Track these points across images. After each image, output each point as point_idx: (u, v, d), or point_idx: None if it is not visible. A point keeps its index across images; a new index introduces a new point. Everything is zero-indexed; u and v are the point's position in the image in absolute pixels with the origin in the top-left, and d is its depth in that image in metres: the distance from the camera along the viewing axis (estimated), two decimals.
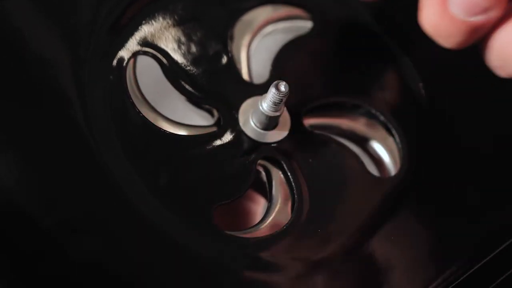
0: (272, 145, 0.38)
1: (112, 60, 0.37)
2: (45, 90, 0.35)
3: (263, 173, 0.38)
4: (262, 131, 0.37)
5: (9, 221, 0.32)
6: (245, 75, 0.40)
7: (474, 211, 0.39)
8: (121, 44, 0.38)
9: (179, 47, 0.39)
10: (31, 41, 0.36)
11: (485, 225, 0.38)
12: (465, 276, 0.36)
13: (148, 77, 0.39)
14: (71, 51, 0.36)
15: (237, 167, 0.37)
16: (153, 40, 0.38)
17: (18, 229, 0.32)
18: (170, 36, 0.39)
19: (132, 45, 0.38)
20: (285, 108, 0.37)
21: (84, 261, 0.33)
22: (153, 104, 0.38)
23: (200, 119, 0.39)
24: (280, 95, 0.35)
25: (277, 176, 0.38)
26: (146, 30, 0.38)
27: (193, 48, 0.39)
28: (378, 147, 0.41)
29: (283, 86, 0.35)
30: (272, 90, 0.35)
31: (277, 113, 0.36)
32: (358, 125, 0.41)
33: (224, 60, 0.39)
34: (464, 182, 0.39)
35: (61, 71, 0.36)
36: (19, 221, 0.32)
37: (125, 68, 0.37)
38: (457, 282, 0.36)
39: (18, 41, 0.35)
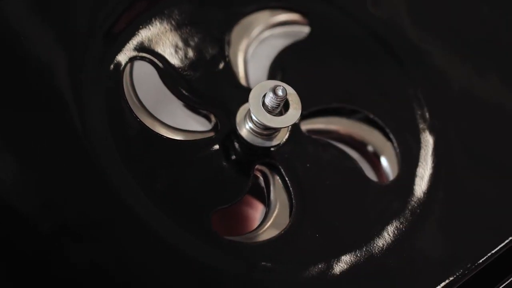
0: (270, 149, 0.37)
1: (109, 65, 0.37)
2: (42, 95, 0.35)
3: (261, 178, 0.38)
4: (259, 135, 0.37)
5: (7, 225, 0.32)
6: (242, 80, 0.40)
7: (475, 214, 0.38)
8: (118, 49, 0.37)
9: (176, 52, 0.39)
10: (27, 46, 0.35)
11: (489, 227, 0.38)
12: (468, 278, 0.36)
13: (147, 84, 0.39)
14: (68, 56, 0.36)
15: (235, 172, 0.37)
16: (150, 45, 0.38)
17: (16, 233, 0.32)
18: (167, 41, 0.39)
19: (129, 50, 0.38)
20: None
21: (81, 266, 0.32)
22: (153, 111, 0.38)
23: (199, 125, 0.39)
24: (278, 99, 0.35)
25: (275, 181, 0.38)
26: (143, 35, 0.38)
27: (190, 53, 0.39)
28: (376, 152, 0.41)
29: (280, 90, 0.35)
30: (269, 95, 0.35)
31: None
32: (356, 130, 0.41)
33: (221, 65, 0.39)
34: (465, 185, 0.39)
35: (58, 76, 0.35)
36: (16, 225, 0.32)
37: (122, 73, 0.37)
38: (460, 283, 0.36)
39: (14, 45, 0.35)
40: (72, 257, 0.32)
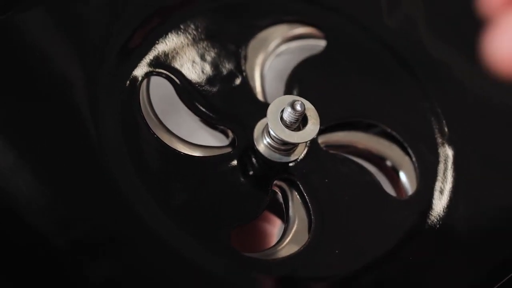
0: (288, 165, 0.37)
1: (126, 80, 0.37)
2: (58, 110, 0.35)
3: (279, 194, 0.38)
4: (277, 151, 0.37)
5: (22, 240, 0.32)
6: (259, 95, 0.39)
7: (495, 229, 0.38)
8: (135, 65, 0.37)
9: (192, 67, 0.38)
10: (44, 60, 0.35)
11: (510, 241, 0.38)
12: None
13: (155, 96, 0.38)
14: (84, 71, 0.36)
15: (253, 188, 0.36)
16: (166, 61, 0.38)
17: (31, 248, 0.32)
18: (184, 56, 0.39)
19: (146, 65, 0.38)
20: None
21: (97, 282, 0.32)
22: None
23: (210, 137, 0.39)
24: (296, 114, 0.34)
25: (294, 196, 0.37)
26: (159, 50, 0.38)
27: (207, 68, 0.39)
28: (394, 167, 0.40)
29: (299, 105, 0.34)
30: (288, 110, 0.35)
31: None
32: (373, 144, 0.40)
33: (238, 80, 0.39)
34: (485, 198, 0.39)
35: (74, 92, 0.35)
36: (31, 240, 0.32)
37: (138, 89, 0.37)
38: None
39: (31, 60, 0.35)
40: (87, 273, 0.32)
